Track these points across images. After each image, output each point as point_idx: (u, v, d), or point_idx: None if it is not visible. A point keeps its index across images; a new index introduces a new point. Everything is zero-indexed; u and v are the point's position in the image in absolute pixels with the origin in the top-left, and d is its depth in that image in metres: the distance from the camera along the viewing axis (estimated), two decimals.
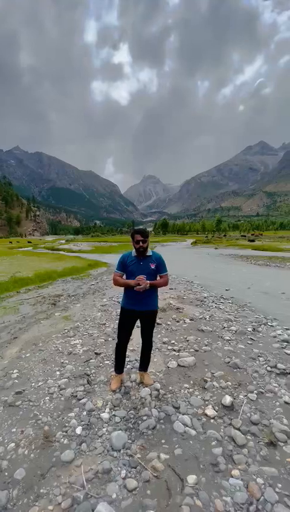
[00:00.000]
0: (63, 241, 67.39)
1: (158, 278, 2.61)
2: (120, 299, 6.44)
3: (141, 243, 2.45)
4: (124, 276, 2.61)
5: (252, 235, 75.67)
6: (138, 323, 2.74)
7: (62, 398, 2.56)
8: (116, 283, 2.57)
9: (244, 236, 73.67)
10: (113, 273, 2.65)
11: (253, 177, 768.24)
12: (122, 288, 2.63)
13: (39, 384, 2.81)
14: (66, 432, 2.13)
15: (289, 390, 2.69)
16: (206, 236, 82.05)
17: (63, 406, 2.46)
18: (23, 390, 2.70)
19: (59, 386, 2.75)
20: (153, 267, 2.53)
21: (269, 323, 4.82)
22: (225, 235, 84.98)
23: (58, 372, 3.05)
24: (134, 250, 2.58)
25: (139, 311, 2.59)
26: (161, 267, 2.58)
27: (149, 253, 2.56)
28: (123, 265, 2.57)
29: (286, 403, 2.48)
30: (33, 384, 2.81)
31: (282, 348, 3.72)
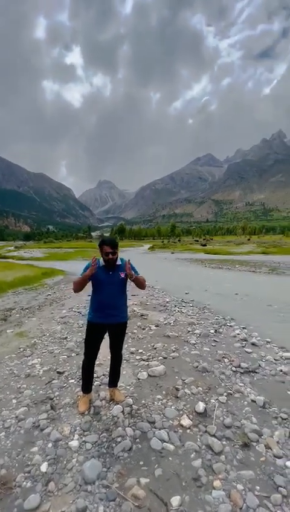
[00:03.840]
0: (12, 248, 61.66)
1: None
2: (81, 309, 6.11)
3: (110, 255, 2.29)
4: (90, 291, 2.44)
5: (204, 239, 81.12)
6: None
7: (22, 431, 2.23)
8: (75, 283, 2.32)
9: (197, 240, 78.47)
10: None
11: (202, 186, 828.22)
12: (85, 297, 2.44)
13: None
14: (29, 472, 1.84)
15: (254, 388, 2.84)
16: (163, 241, 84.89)
17: (23, 440, 2.13)
18: None
19: (17, 416, 2.39)
20: (122, 276, 2.41)
21: (228, 324, 5.12)
22: (179, 240, 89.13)
23: (14, 400, 2.66)
24: (102, 259, 2.43)
25: (108, 324, 2.43)
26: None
27: (118, 262, 2.43)
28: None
29: (252, 401, 2.60)
30: None
31: (242, 346, 3.96)
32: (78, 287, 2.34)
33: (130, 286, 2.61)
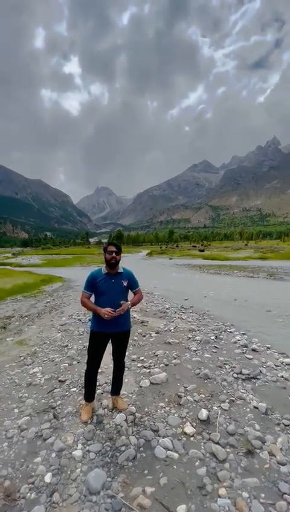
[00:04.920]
0: (9, 255, 61.44)
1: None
2: (81, 317, 6.10)
3: (114, 253, 2.36)
4: (92, 297, 2.48)
5: (202, 245, 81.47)
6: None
7: (24, 441, 2.21)
8: (84, 305, 2.42)
9: (195, 246, 78.75)
10: (81, 293, 2.47)
11: (199, 192, 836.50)
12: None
13: None
14: (33, 483, 1.82)
15: (256, 394, 2.85)
16: (161, 247, 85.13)
17: (26, 450, 2.12)
18: None
19: (19, 426, 2.38)
20: (125, 284, 2.45)
21: (228, 330, 5.13)
22: (177, 246, 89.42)
23: (16, 410, 2.64)
24: (104, 266, 2.47)
25: (111, 333, 2.45)
26: (132, 282, 2.51)
27: (120, 269, 2.48)
28: (92, 285, 2.41)
29: (255, 407, 2.61)
30: None
31: (243, 353, 3.97)
32: (86, 308, 2.45)
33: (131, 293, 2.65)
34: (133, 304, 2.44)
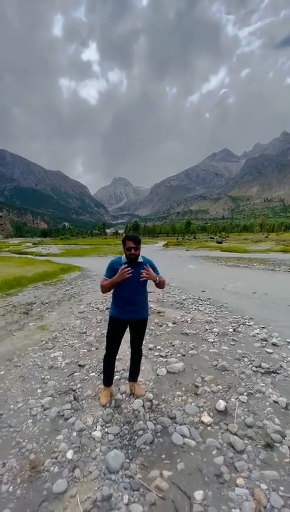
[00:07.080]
0: (30, 244, 63.86)
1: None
2: (99, 305, 6.24)
3: (133, 250, 2.31)
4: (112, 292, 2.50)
5: (220, 237, 79.58)
6: None
7: (47, 420, 2.34)
8: (103, 286, 2.39)
9: (213, 238, 77.14)
10: (100, 280, 2.48)
11: (218, 182, 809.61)
12: (101, 294, 2.53)
13: (19, 405, 2.53)
14: (56, 458, 1.93)
15: (275, 389, 2.79)
16: (177, 238, 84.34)
17: (50, 428, 2.24)
18: (1, 414, 2.41)
19: (42, 405, 2.51)
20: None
21: (247, 323, 5.02)
22: (194, 237, 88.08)
23: (39, 390, 2.79)
24: (124, 256, 2.47)
25: (130, 320, 2.47)
26: (153, 270, 2.49)
27: (140, 259, 2.46)
28: (112, 272, 2.40)
29: (274, 402, 2.55)
30: (12, 406, 2.52)
31: (262, 346, 3.88)
32: (106, 290, 2.42)
33: (149, 283, 2.63)
34: (160, 282, 2.38)
